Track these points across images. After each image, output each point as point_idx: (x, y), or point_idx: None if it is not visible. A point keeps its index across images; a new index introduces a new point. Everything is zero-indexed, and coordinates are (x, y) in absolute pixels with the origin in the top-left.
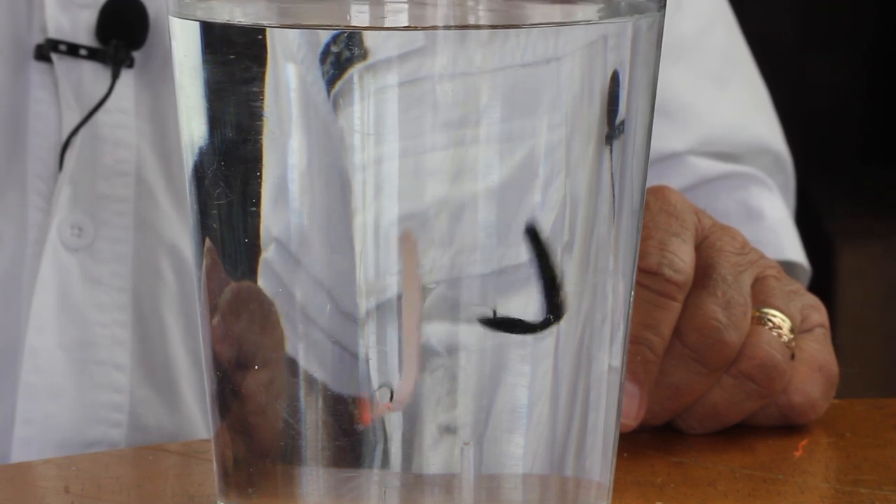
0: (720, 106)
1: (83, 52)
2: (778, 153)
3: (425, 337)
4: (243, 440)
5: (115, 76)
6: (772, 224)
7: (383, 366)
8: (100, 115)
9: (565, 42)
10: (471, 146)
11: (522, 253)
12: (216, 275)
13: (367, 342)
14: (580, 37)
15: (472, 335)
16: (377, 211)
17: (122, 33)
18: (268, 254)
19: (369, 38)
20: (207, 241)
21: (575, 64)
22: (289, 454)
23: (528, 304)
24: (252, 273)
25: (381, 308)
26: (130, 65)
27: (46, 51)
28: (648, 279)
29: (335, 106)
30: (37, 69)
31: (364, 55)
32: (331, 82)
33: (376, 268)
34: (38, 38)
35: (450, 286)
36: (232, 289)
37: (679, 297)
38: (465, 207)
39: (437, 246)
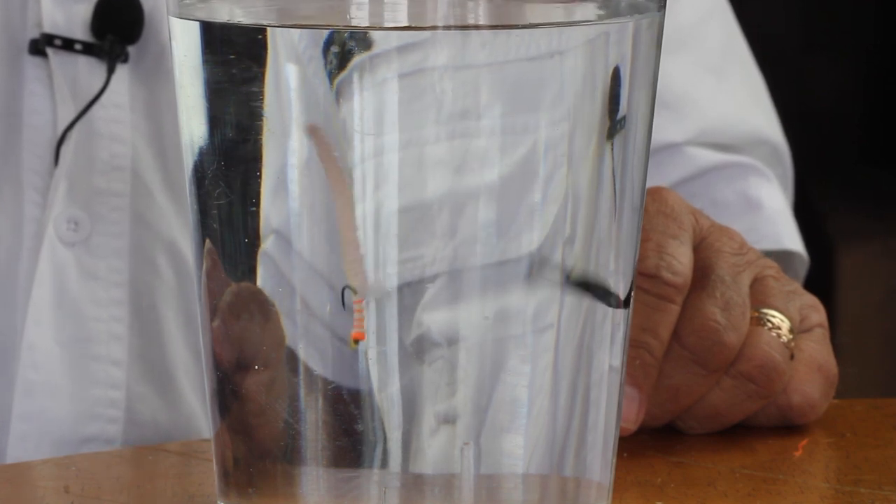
0: (718, 97)
1: (78, 46)
2: (776, 145)
3: (426, 327)
4: (243, 440)
5: (110, 71)
6: (770, 214)
7: (383, 361)
8: (95, 110)
9: (567, 39)
10: (473, 140)
11: (523, 246)
12: (216, 275)
13: (367, 339)
14: (581, 35)
15: (473, 328)
16: (377, 207)
17: (118, 28)
18: (268, 253)
19: (370, 36)
20: (207, 241)
21: (577, 60)
22: (289, 454)
23: (528, 298)
24: (252, 273)
25: (381, 303)
26: (125, 59)
27: (41, 45)
28: (647, 282)
29: (336, 105)
30: (32, 64)
31: (365, 53)
32: (331, 81)
33: (376, 263)
34: (34, 33)
35: (451, 278)
36: (232, 289)
37: (677, 299)
38: (467, 201)
39: (438, 238)
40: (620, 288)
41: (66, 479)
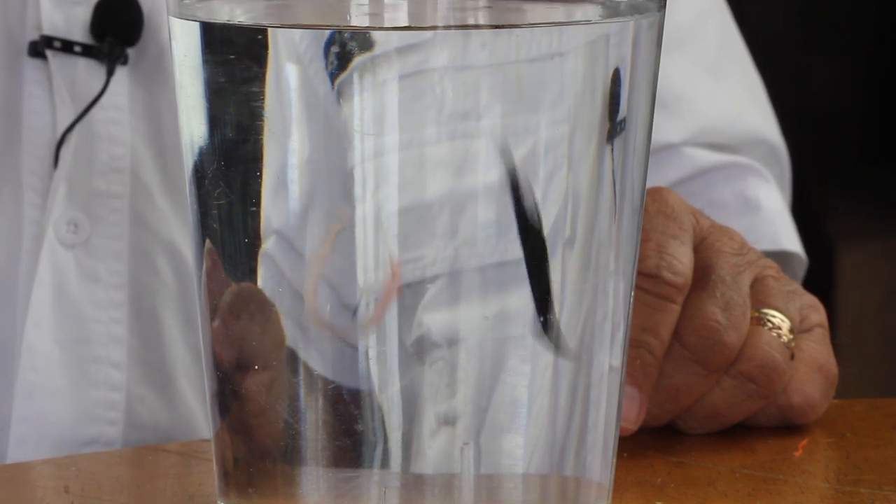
0: (716, 97)
1: (78, 48)
2: (773, 144)
3: (426, 328)
4: (243, 440)
5: (109, 73)
6: (768, 214)
7: (383, 361)
8: (94, 112)
9: (567, 39)
10: (473, 141)
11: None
12: (216, 275)
13: (368, 339)
14: (581, 36)
15: (473, 328)
16: (377, 207)
17: (117, 30)
18: (268, 254)
19: (371, 37)
20: (207, 241)
21: (577, 61)
22: (289, 454)
23: (528, 298)
24: (252, 273)
25: (380, 303)
26: (125, 62)
27: (41, 47)
28: (647, 282)
29: (336, 105)
30: (31, 66)
31: (366, 53)
32: (332, 81)
33: (376, 263)
34: (33, 35)
35: (451, 279)
36: (232, 289)
37: (678, 299)
38: (467, 201)
39: (438, 239)
40: (620, 290)
41: (66, 480)
